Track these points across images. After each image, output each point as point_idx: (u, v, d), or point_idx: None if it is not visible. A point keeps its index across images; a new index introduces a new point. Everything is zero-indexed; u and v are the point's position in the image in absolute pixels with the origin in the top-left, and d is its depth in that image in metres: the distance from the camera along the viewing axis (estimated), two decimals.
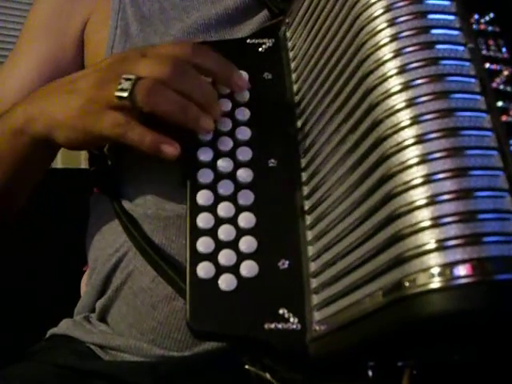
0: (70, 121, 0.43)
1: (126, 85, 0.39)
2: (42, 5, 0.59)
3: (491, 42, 0.30)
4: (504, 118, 0.28)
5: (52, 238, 0.68)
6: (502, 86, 0.29)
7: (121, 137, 0.41)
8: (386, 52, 0.32)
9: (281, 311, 0.37)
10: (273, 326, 0.37)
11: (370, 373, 0.33)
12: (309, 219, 0.39)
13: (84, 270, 0.62)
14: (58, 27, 0.57)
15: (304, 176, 0.41)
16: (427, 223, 0.27)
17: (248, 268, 0.38)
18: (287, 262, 0.39)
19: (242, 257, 0.39)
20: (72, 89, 0.43)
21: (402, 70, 0.31)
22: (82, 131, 0.42)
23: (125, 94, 0.39)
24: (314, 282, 0.37)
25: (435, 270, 0.26)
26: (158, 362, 0.46)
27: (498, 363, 0.31)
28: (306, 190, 0.40)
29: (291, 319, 0.37)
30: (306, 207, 0.40)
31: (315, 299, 0.37)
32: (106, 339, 0.48)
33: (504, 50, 0.30)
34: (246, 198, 0.41)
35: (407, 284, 0.27)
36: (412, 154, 0.29)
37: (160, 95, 0.39)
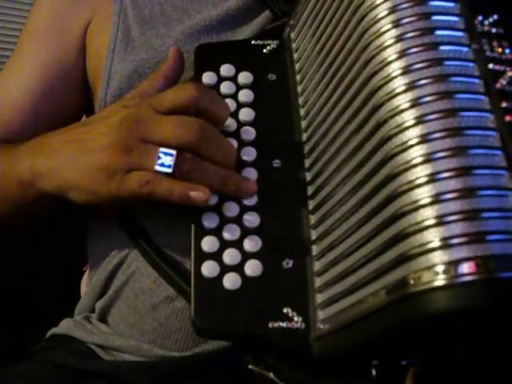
0: (89, 186, 0.42)
1: (168, 161, 0.40)
2: (42, 7, 0.59)
3: (495, 44, 0.31)
4: (508, 118, 0.28)
5: (52, 238, 0.67)
6: (506, 87, 0.30)
7: (149, 195, 0.41)
8: (391, 53, 0.32)
9: (285, 310, 0.37)
10: (277, 324, 0.37)
11: (374, 372, 0.33)
12: (313, 218, 0.39)
13: (84, 270, 0.62)
14: (60, 30, 0.57)
15: (308, 176, 0.41)
16: (431, 221, 0.27)
17: (252, 267, 0.39)
18: (291, 262, 0.39)
19: (246, 256, 0.39)
20: (84, 148, 0.43)
21: (406, 71, 0.31)
22: (106, 195, 0.42)
23: (168, 170, 0.40)
24: (318, 281, 0.37)
25: (439, 268, 0.27)
26: (158, 361, 0.46)
27: (502, 362, 0.31)
28: (310, 190, 0.40)
29: (295, 318, 0.37)
30: (310, 207, 0.40)
31: (319, 298, 0.37)
32: (107, 339, 0.48)
33: (508, 51, 0.30)
34: (251, 197, 0.41)
35: (412, 282, 0.27)
36: (416, 153, 0.29)
37: (201, 171, 0.40)
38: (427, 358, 0.32)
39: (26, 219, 0.54)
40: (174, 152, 0.40)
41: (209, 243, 0.39)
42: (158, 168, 0.40)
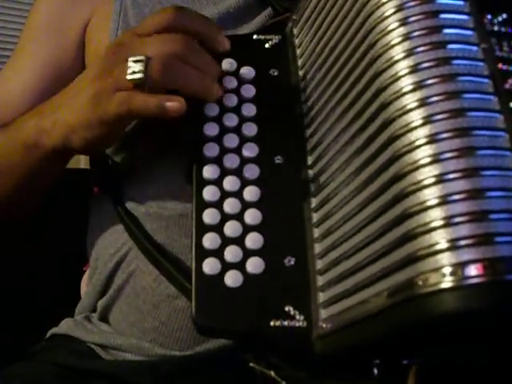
0: (83, 120, 0.42)
1: (138, 67, 0.39)
2: (42, 6, 0.59)
3: (504, 43, 0.30)
4: None
5: (52, 238, 0.67)
6: None
7: (128, 112, 0.40)
8: (398, 51, 0.32)
9: (287, 308, 0.37)
10: (278, 323, 0.37)
11: (376, 371, 0.33)
12: (316, 216, 0.39)
13: (84, 270, 0.62)
14: (59, 29, 0.57)
15: (311, 173, 0.41)
16: (439, 223, 0.27)
17: (254, 265, 0.38)
18: (293, 259, 0.39)
19: (248, 253, 0.39)
20: (77, 90, 0.44)
21: (414, 70, 0.31)
22: (98, 123, 0.42)
23: (139, 76, 0.39)
24: (321, 280, 0.37)
25: (447, 270, 0.26)
26: (159, 361, 0.46)
27: (506, 363, 0.31)
28: (313, 187, 0.40)
29: (297, 316, 0.37)
30: (313, 204, 0.39)
31: (321, 297, 0.37)
32: (107, 339, 0.48)
33: None
34: (253, 194, 0.41)
35: (420, 283, 0.27)
36: (424, 153, 0.29)
37: (176, 70, 0.40)
38: (432, 358, 0.32)
39: (30, 195, 0.53)
40: (143, 57, 0.39)
41: (210, 240, 0.39)
42: (129, 77, 0.39)
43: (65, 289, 0.63)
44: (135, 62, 0.39)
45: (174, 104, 0.39)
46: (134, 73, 0.39)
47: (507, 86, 0.29)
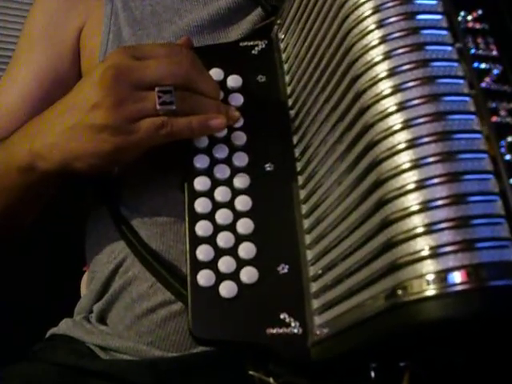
0: (93, 149, 0.41)
1: (168, 97, 0.40)
2: (36, 15, 0.59)
3: (480, 40, 0.30)
4: (494, 118, 0.28)
5: (52, 238, 0.67)
6: (492, 85, 0.29)
7: (168, 135, 0.41)
8: (375, 55, 0.31)
9: (282, 316, 0.37)
10: (274, 331, 0.37)
11: (373, 374, 0.33)
12: (306, 223, 0.39)
13: (84, 270, 0.63)
14: (54, 36, 0.57)
15: (300, 179, 0.40)
16: (420, 230, 0.27)
17: (248, 274, 0.39)
18: (287, 267, 0.39)
19: (241, 263, 0.39)
20: (76, 115, 0.42)
21: (391, 73, 0.30)
22: (113, 152, 0.41)
23: (173, 107, 0.40)
24: (314, 286, 0.37)
25: (430, 277, 0.26)
26: (157, 360, 0.46)
27: (498, 364, 0.31)
28: (302, 194, 0.40)
29: (292, 323, 0.37)
30: (304, 211, 0.39)
31: (315, 303, 0.37)
32: (105, 340, 0.49)
33: (493, 47, 0.30)
34: (244, 203, 0.41)
35: (400, 292, 0.27)
36: (404, 159, 0.29)
37: (199, 104, 0.42)
38: (424, 361, 0.32)
39: (25, 214, 0.53)
40: (171, 88, 0.40)
41: (204, 252, 0.39)
42: (160, 107, 0.40)
43: (65, 289, 0.63)
44: (163, 92, 0.40)
45: (217, 121, 0.41)
46: (165, 103, 0.40)
47: (484, 84, 0.29)
